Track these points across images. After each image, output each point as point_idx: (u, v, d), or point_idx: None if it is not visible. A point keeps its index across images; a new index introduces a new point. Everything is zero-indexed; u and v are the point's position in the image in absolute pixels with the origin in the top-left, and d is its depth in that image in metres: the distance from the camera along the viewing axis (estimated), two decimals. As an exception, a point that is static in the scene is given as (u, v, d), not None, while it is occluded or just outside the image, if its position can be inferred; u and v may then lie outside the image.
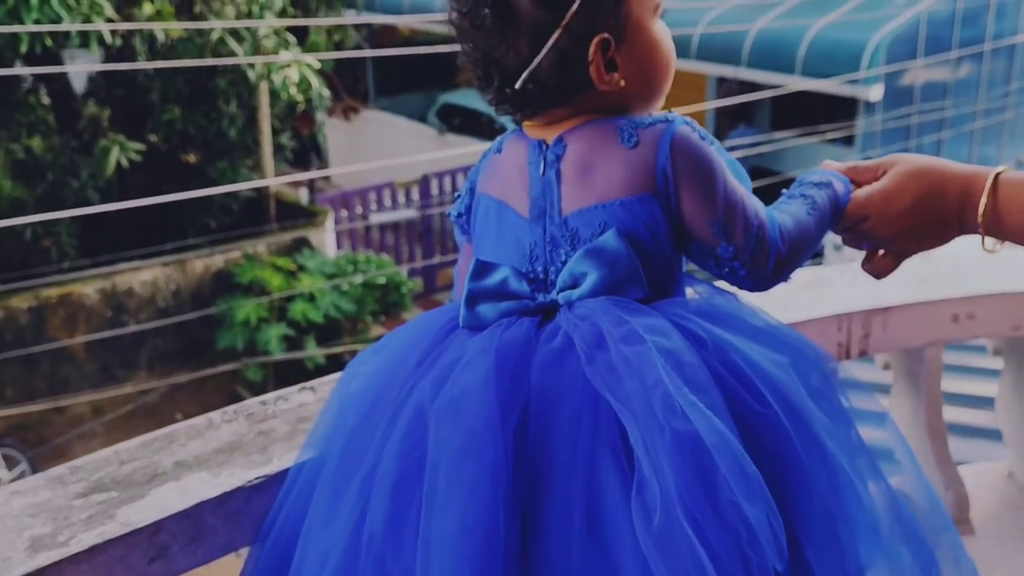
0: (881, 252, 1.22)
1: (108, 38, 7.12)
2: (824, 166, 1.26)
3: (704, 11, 11.63)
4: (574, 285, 1.07)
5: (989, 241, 1.14)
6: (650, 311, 1.05)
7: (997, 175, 1.12)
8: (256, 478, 1.35)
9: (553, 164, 1.11)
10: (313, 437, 1.21)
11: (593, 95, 1.10)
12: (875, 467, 1.07)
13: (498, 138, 1.22)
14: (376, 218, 11.59)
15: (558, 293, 1.08)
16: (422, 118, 15.38)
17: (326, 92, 8.91)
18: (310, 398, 1.56)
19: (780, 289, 2.00)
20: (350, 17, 10.75)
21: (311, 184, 12.70)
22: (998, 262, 2.20)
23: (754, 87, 11.25)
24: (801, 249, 1.14)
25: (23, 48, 6.84)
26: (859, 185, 1.21)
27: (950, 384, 3.19)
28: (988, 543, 1.86)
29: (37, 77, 9.44)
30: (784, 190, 1.23)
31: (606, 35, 1.07)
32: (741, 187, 1.11)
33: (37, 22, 6.57)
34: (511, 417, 0.98)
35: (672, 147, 1.07)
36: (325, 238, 10.59)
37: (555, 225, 1.10)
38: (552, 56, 1.06)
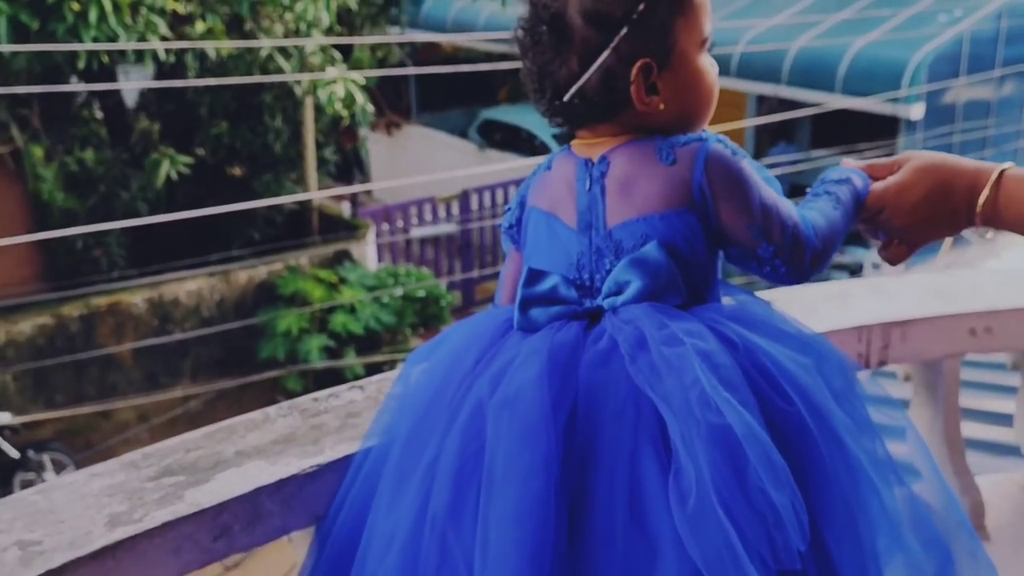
0: (896, 241, 1.31)
1: (162, 55, 7.37)
2: (844, 164, 1.36)
3: (745, 30, 11.68)
4: (618, 292, 1.17)
5: (982, 229, 1.23)
6: (687, 316, 1.14)
7: (1003, 171, 1.20)
8: (310, 467, 1.47)
9: (598, 180, 1.21)
10: (377, 426, 1.31)
11: (634, 115, 1.20)
12: (893, 467, 1.14)
13: (547, 156, 1.33)
14: (417, 232, 11.74)
15: (603, 299, 1.18)
16: (463, 134, 15.55)
17: (370, 107, 9.11)
18: (359, 396, 1.68)
19: (804, 302, 2.10)
20: (394, 35, 10.95)
21: (353, 198, 12.90)
22: (1012, 278, 2.27)
23: (794, 105, 11.27)
24: (832, 241, 1.24)
25: (80, 64, 7.10)
26: (876, 180, 1.30)
27: (981, 402, 3.24)
28: (1003, 549, 1.92)
29: (91, 92, 9.73)
30: (808, 188, 1.34)
31: (649, 60, 1.17)
32: (773, 192, 1.21)
33: (95, 39, 6.83)
34: (561, 412, 1.08)
35: (707, 164, 1.17)
36: (366, 251, 10.76)
37: (600, 236, 1.20)
38: (599, 74, 1.17)
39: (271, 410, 1.65)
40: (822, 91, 10.73)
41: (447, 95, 15.93)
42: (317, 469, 1.47)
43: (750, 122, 11.68)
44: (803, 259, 1.20)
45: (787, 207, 1.21)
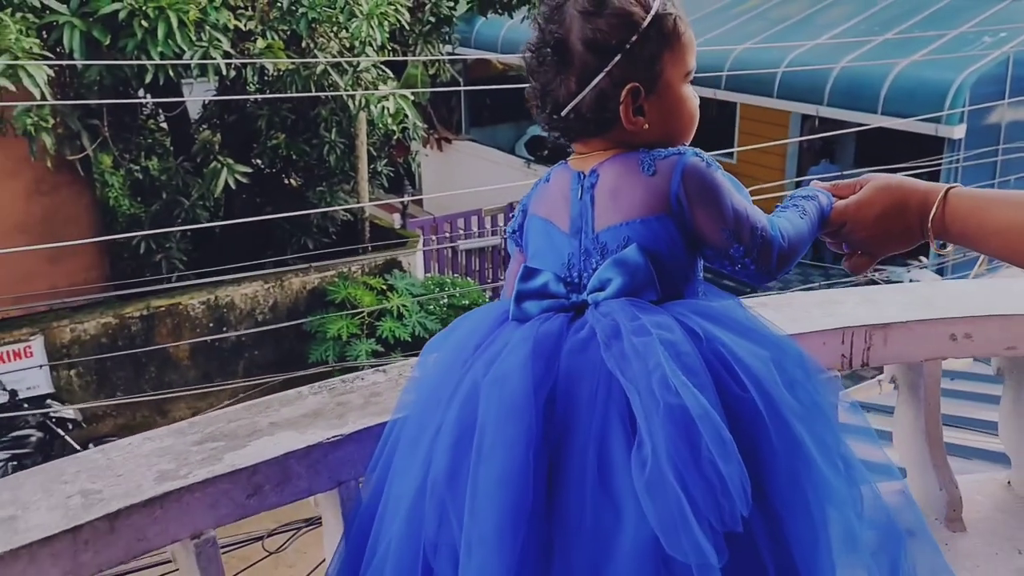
0: (859, 253, 1.46)
1: (223, 70, 7.70)
2: (813, 185, 1.52)
3: (788, 50, 11.73)
4: (601, 288, 1.33)
5: (937, 244, 1.38)
6: (659, 310, 1.29)
7: (947, 191, 1.35)
8: (334, 436, 1.68)
9: (588, 190, 1.37)
10: (402, 401, 1.49)
11: (622, 132, 1.37)
12: (841, 451, 1.27)
13: (547, 171, 1.50)
14: (464, 244, 11.98)
15: (588, 294, 1.34)
16: (511, 149, 15.77)
17: (420, 123, 9.35)
18: (381, 378, 1.88)
19: (796, 306, 2.25)
20: (441, 53, 11.21)
21: (404, 210, 13.20)
22: (996, 288, 2.39)
23: (836, 125, 11.29)
24: (797, 246, 1.39)
25: (148, 78, 7.45)
26: (841, 198, 1.46)
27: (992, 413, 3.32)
28: (976, 540, 2.04)
29: (157, 104, 10.16)
30: (778, 205, 1.50)
31: (637, 84, 1.34)
32: (744, 200, 1.36)
33: (162, 54, 7.17)
34: (542, 391, 1.24)
35: (683, 175, 1.32)
36: (415, 261, 11.01)
37: (589, 239, 1.36)
38: (594, 94, 1.34)
39: (304, 389, 1.86)
40: (864, 111, 10.74)
41: (496, 112, 16.17)
42: (340, 439, 1.68)
43: (790, 140, 11.71)
44: (770, 259, 1.35)
45: (756, 213, 1.36)
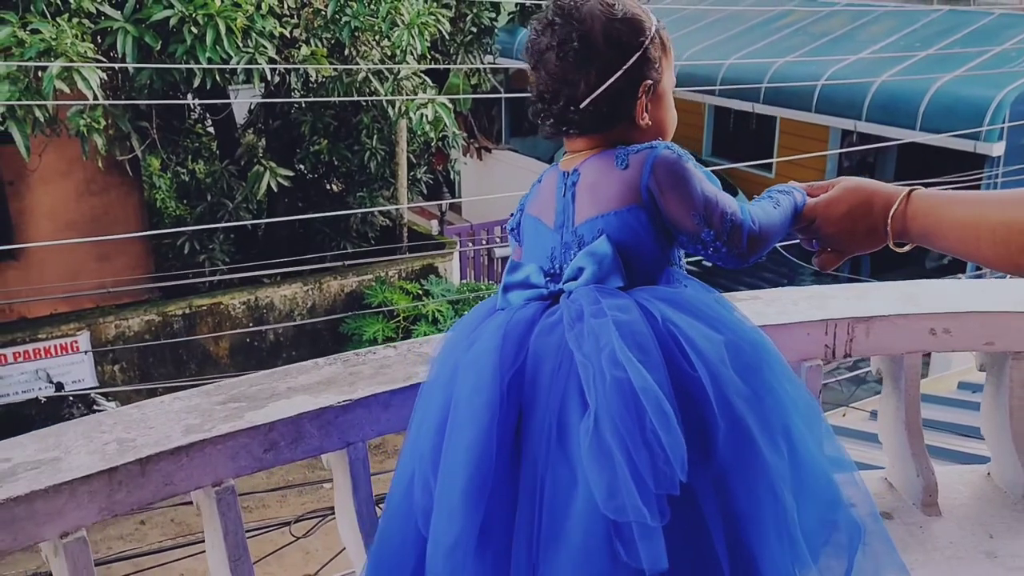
0: (829, 249, 1.55)
1: (268, 75, 7.96)
2: (790, 183, 1.64)
3: (827, 65, 11.76)
4: (575, 277, 1.45)
5: (896, 243, 1.46)
6: (623, 295, 1.40)
7: (910, 192, 1.44)
8: (343, 400, 1.84)
9: (570, 188, 1.50)
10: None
11: (621, 129, 1.48)
12: (785, 431, 1.35)
13: (541, 173, 1.63)
14: (500, 251, 12.15)
15: (564, 283, 1.46)
16: (550, 160, 15.91)
17: (458, 131, 9.54)
18: (392, 352, 2.04)
19: (785, 300, 2.37)
20: (474, 62, 11.41)
21: (442, 216, 13.41)
22: (977, 286, 2.49)
23: (875, 141, 11.30)
24: (768, 230, 1.47)
25: (196, 83, 7.74)
26: (814, 196, 1.57)
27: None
28: (950, 524, 2.13)
29: (204, 108, 10.48)
30: (755, 196, 1.62)
31: (651, 82, 1.47)
32: (713, 188, 1.46)
33: (210, 60, 7.45)
34: (509, 369, 1.37)
35: (654, 167, 1.42)
36: (451, 267, 11.22)
37: (569, 233, 1.48)
38: (610, 89, 1.45)
39: (320, 360, 2.03)
40: (902, 127, 10.73)
41: (536, 122, 16.31)
42: (350, 403, 1.84)
43: (827, 152, 11.73)
44: (740, 241, 1.45)
45: (725, 199, 1.46)
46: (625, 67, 1.45)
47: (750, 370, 1.36)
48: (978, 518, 2.16)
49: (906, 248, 1.47)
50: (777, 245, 1.64)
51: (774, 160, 12.34)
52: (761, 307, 2.22)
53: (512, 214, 1.65)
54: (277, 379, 1.94)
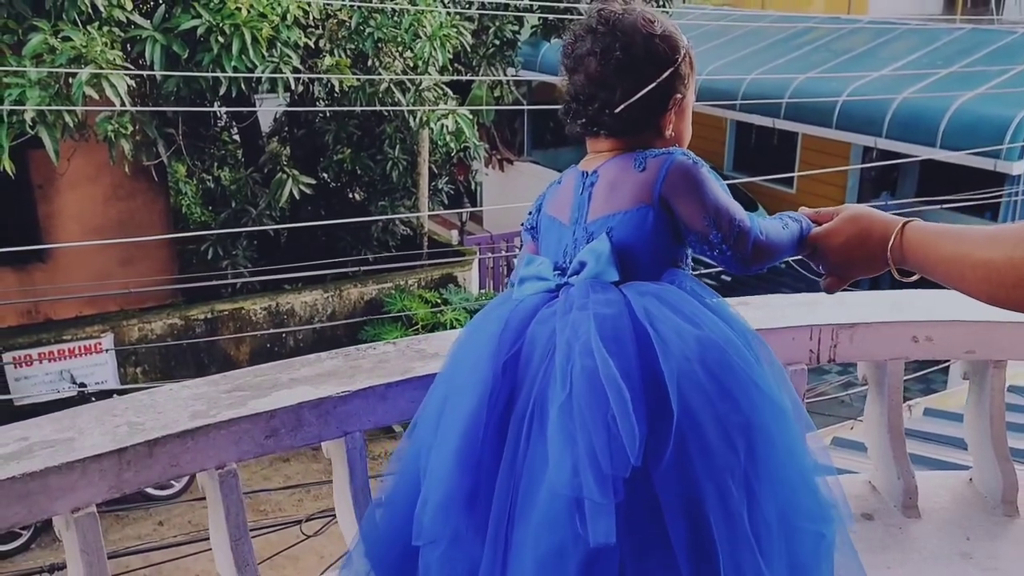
0: (832, 274, 1.62)
1: (292, 84, 8.11)
2: (800, 211, 1.71)
3: (848, 81, 11.79)
4: (578, 272, 1.55)
5: (897, 271, 1.51)
6: (612, 289, 1.50)
7: (904, 224, 1.49)
8: (342, 391, 1.93)
9: (588, 188, 1.60)
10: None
11: (647, 135, 1.59)
12: (745, 427, 1.40)
13: (560, 174, 1.72)
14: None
15: (569, 276, 1.56)
16: (572, 172, 15.98)
17: (478, 142, 9.65)
18: (391, 348, 2.13)
19: (774, 306, 2.45)
20: (494, 75, 11.53)
21: (462, 226, 13.53)
22: (961, 297, 2.55)
23: (895, 158, 11.30)
24: (774, 243, 1.56)
25: (221, 91, 7.91)
26: (819, 224, 1.65)
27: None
28: (929, 526, 2.19)
29: (230, 116, 10.67)
30: (776, 212, 1.70)
31: (681, 96, 1.59)
32: (725, 195, 1.55)
33: (235, 69, 7.62)
34: (506, 353, 1.48)
35: (668, 172, 1.52)
36: (470, 276, 11.33)
37: (581, 229, 1.58)
38: (644, 99, 1.56)
39: (323, 354, 2.12)
40: (922, 145, 10.74)
41: (559, 135, 16.44)
42: (348, 394, 1.93)
43: (846, 168, 11.73)
44: (745, 247, 1.53)
45: (735, 207, 1.56)
46: (659, 79, 1.55)
47: (724, 367, 1.43)
48: (957, 521, 2.22)
49: (914, 278, 1.52)
50: (793, 262, 1.71)
51: (795, 174, 12.38)
52: (749, 312, 2.29)
53: (529, 212, 1.73)
54: (281, 370, 2.04)
